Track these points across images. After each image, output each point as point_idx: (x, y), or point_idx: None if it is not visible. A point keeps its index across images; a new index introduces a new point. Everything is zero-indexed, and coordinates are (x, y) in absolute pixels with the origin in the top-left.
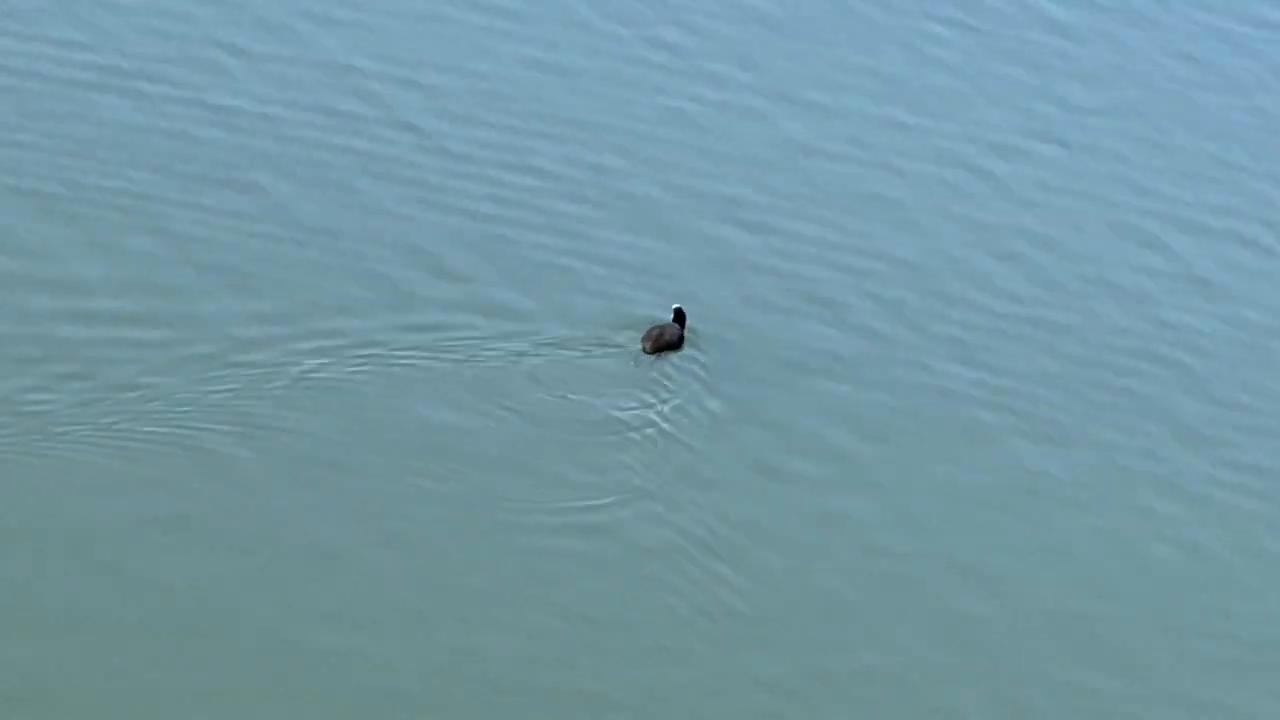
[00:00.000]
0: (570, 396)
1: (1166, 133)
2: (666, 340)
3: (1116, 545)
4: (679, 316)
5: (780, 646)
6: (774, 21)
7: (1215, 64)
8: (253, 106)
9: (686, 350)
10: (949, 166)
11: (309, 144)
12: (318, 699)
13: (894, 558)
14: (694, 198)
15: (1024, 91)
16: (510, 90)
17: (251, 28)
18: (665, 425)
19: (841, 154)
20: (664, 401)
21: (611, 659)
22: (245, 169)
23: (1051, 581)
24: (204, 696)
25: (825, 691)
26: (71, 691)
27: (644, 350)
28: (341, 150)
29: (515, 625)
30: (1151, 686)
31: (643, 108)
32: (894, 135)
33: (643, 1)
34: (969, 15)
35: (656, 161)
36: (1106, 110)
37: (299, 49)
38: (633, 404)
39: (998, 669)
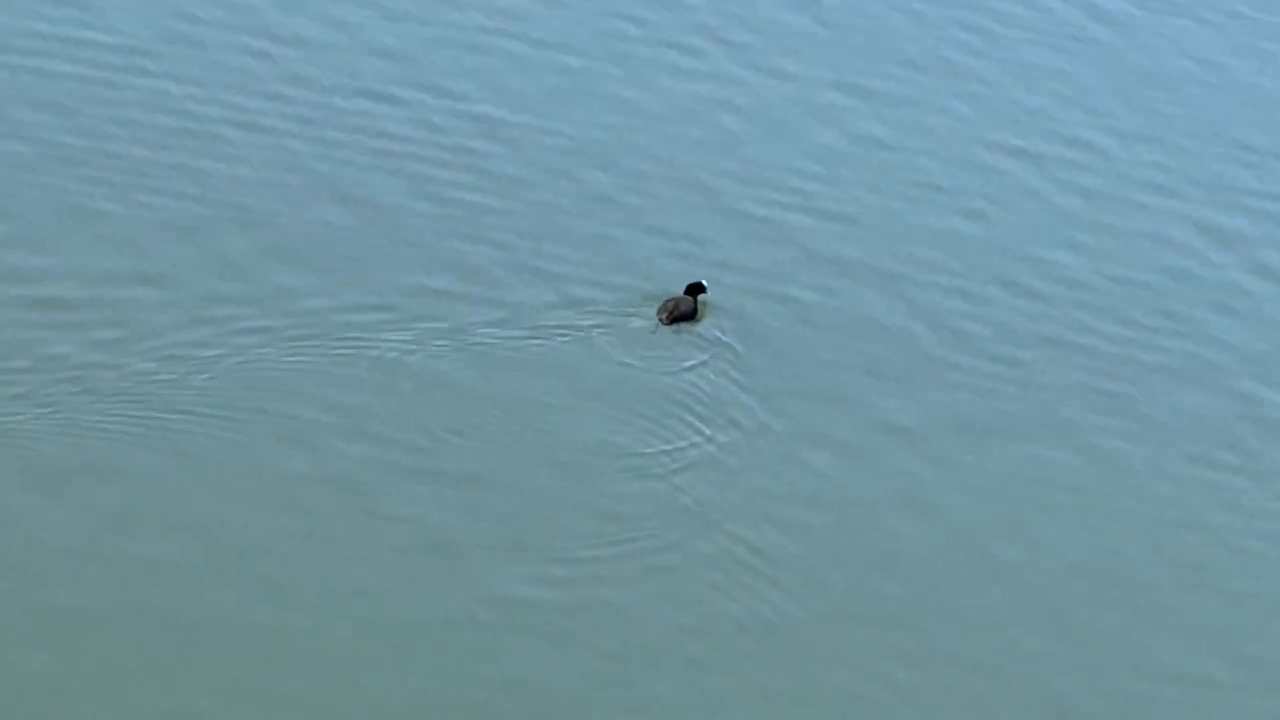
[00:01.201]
0: (594, 367)
1: (1228, 121)
2: (681, 311)
3: (1191, 522)
4: (691, 289)
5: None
6: (819, 12)
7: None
8: (277, 105)
9: (708, 321)
10: (997, 154)
11: (338, 129)
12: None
13: (917, 540)
14: (727, 179)
15: (1078, 82)
16: (542, 76)
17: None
18: (690, 401)
19: (888, 140)
20: (682, 370)
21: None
22: (292, 159)
23: (1132, 569)
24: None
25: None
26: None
27: (661, 321)
28: (367, 137)
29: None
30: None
31: (672, 92)
32: (943, 122)
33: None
34: (1023, 6)
35: (695, 146)
36: (1165, 100)
37: (340, 42)
38: (655, 374)
39: (1073, 667)
